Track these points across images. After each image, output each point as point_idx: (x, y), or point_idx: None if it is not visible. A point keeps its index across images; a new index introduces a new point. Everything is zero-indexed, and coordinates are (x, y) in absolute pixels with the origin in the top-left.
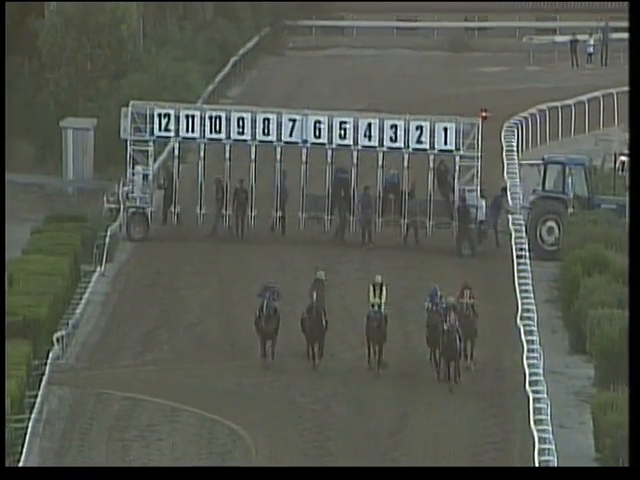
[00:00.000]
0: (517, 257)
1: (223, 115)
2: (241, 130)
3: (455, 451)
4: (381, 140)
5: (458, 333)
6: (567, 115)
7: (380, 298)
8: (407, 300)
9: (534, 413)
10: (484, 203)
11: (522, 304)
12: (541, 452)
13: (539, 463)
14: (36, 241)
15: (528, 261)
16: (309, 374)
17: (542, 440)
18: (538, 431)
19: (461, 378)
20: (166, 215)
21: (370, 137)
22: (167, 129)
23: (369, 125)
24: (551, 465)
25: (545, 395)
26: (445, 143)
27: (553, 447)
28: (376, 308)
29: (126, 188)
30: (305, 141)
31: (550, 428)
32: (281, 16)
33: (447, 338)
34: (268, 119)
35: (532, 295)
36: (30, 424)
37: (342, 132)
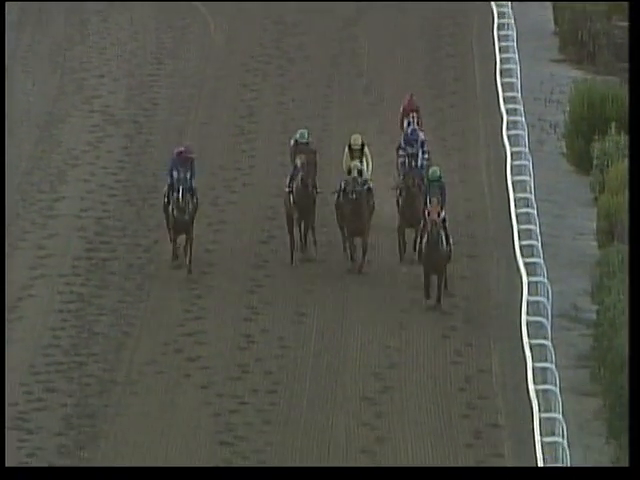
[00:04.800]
0: None
1: None
2: None
3: None
4: None
5: (445, 232)
6: None
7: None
8: None
9: None
10: None
11: None
12: (500, 27)
13: (498, 38)
14: None
15: None
16: None
17: (501, 15)
18: (497, 5)
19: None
20: None
21: None
22: None
23: None
24: (510, 39)
25: None
26: None
27: (512, 21)
28: (355, 173)
29: None
30: None
31: (509, 3)
32: None
33: (428, 244)
34: None
35: None
36: None
37: None
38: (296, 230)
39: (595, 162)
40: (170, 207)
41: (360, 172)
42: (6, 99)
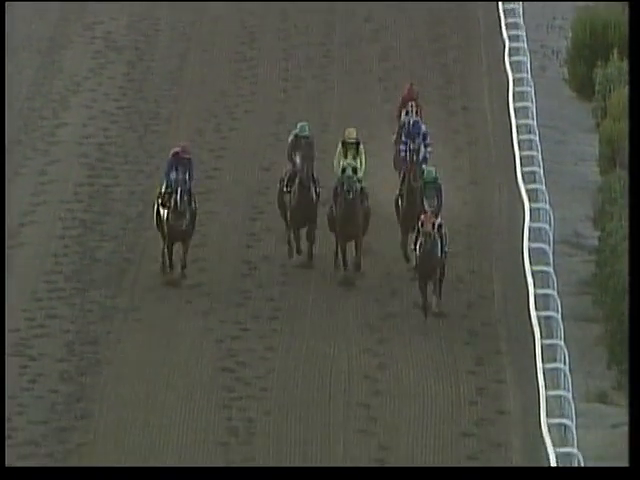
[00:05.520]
0: None
1: None
2: None
3: None
4: None
5: (441, 239)
6: None
7: (354, 158)
8: None
9: None
10: None
11: None
12: None
13: None
14: None
15: None
16: None
17: None
18: None
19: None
20: None
21: None
22: None
23: None
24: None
25: None
26: None
27: None
28: (349, 172)
29: None
30: None
31: None
32: None
33: (423, 253)
34: None
35: None
36: None
37: None
38: (294, 234)
39: (597, 88)
40: (166, 212)
41: (355, 170)
42: (7, 25)
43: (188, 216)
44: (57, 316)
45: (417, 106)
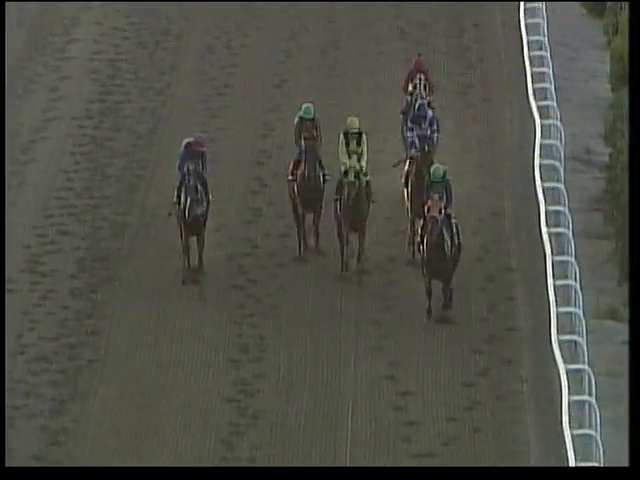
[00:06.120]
0: None
1: None
2: None
3: None
4: None
5: (451, 230)
6: None
7: (358, 160)
8: None
9: None
10: None
11: None
12: None
13: None
14: None
15: None
16: None
17: None
18: None
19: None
20: None
21: None
22: None
23: None
24: None
25: None
26: None
27: None
28: (351, 177)
29: None
30: None
31: None
32: None
33: (429, 246)
34: None
35: None
36: None
37: None
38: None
39: (608, 5)
40: (182, 203)
41: (358, 174)
42: None
43: (204, 209)
44: (68, 233)
45: (426, 79)
